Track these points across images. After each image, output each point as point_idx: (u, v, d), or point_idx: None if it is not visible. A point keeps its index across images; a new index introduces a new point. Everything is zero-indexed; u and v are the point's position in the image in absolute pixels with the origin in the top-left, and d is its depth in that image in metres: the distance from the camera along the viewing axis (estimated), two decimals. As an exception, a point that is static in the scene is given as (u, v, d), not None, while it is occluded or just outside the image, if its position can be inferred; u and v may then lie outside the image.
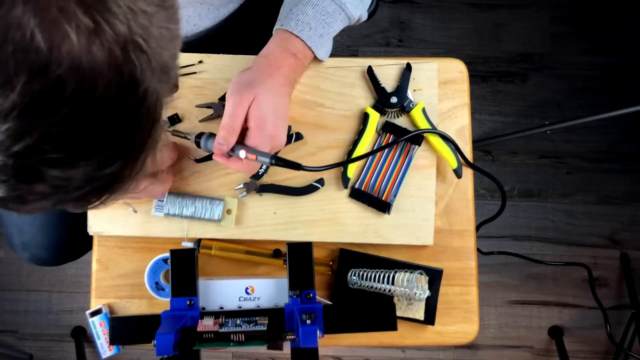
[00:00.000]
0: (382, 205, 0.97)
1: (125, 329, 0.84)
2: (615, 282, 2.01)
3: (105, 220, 0.96)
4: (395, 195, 0.98)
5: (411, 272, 0.89)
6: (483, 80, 2.10)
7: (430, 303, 0.98)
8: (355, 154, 0.97)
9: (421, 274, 0.89)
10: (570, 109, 2.08)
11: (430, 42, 2.12)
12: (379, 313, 0.84)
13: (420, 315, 0.97)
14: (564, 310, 2.00)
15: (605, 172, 2.06)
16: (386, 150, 0.99)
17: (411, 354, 1.98)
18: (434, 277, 0.98)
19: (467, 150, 1.02)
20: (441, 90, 1.03)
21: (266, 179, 0.98)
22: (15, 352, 1.95)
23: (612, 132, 2.07)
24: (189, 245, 0.97)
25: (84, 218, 0.98)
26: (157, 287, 0.95)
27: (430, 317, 0.98)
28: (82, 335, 1.94)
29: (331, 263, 0.98)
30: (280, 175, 0.98)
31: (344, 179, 0.97)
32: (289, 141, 0.98)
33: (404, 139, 0.98)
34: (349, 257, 0.98)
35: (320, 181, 0.97)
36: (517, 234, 2.03)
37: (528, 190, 2.05)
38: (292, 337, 0.75)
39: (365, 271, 0.94)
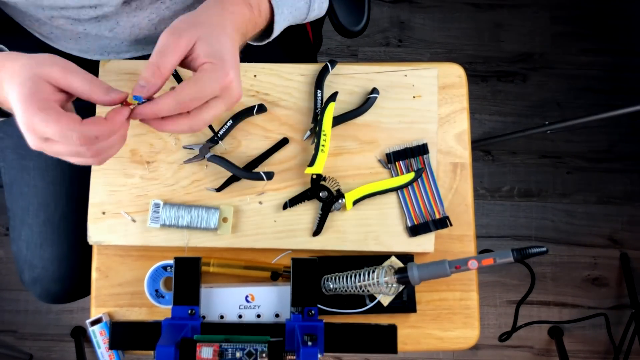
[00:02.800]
0: (442, 223, 0.98)
1: (126, 335, 0.83)
2: (615, 282, 2.01)
3: (105, 230, 0.96)
4: (443, 208, 0.99)
5: (379, 268, 0.88)
6: (483, 80, 2.09)
7: (408, 291, 0.98)
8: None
9: (390, 267, 0.88)
10: (570, 108, 2.08)
11: (430, 42, 2.11)
12: (380, 335, 0.84)
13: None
14: (564, 310, 2.00)
15: (605, 172, 2.06)
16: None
17: (411, 353, 1.98)
18: (404, 264, 0.97)
19: (466, 155, 1.02)
20: (440, 95, 1.03)
21: (225, 147, 0.98)
22: (15, 352, 1.95)
23: (612, 132, 2.07)
24: None
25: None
26: (157, 295, 0.95)
27: (410, 305, 0.98)
28: (82, 335, 1.94)
29: None
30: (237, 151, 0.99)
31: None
32: (250, 113, 0.97)
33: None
34: (321, 263, 0.97)
35: (269, 174, 0.95)
36: (517, 234, 2.03)
37: (528, 190, 2.05)
38: (292, 358, 0.75)
39: (337, 275, 0.93)
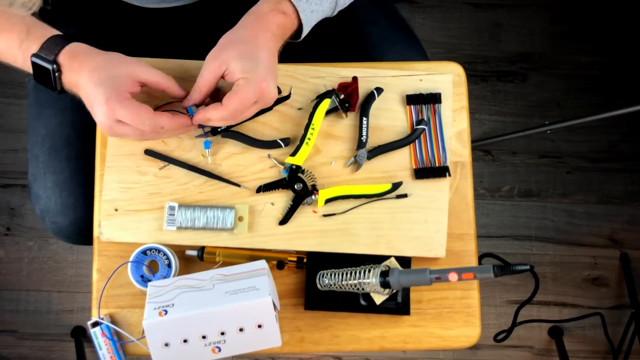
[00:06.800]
0: (442, 171, 0.99)
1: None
2: (615, 282, 2.01)
3: (117, 227, 0.97)
4: (446, 158, 1.00)
5: (371, 269, 0.88)
6: (483, 80, 2.10)
7: (403, 293, 0.98)
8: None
9: (386, 267, 0.88)
10: (570, 108, 2.08)
11: (430, 42, 2.11)
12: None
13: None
14: (564, 310, 2.00)
15: (605, 171, 2.06)
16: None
17: (411, 353, 1.98)
18: (402, 266, 0.97)
19: (466, 154, 1.02)
20: (440, 93, 1.04)
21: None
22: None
23: (612, 132, 2.07)
24: (193, 253, 0.97)
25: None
26: (143, 280, 0.96)
27: (404, 308, 0.98)
28: (82, 335, 1.94)
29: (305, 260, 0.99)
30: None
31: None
32: (276, 102, 0.99)
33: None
34: (317, 259, 0.98)
35: (286, 140, 0.98)
36: (517, 233, 2.03)
37: (528, 190, 2.05)
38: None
39: (332, 272, 0.93)
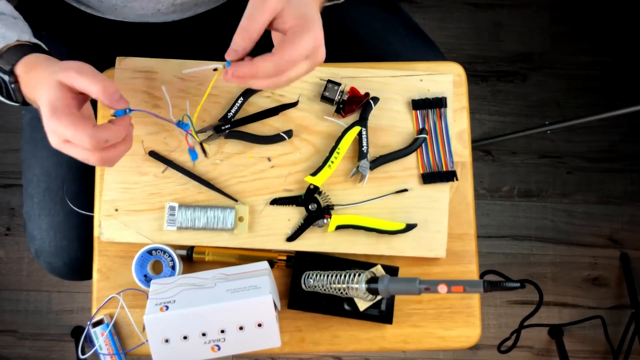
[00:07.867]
0: (449, 175, 0.99)
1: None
2: (615, 282, 2.01)
3: (117, 227, 0.97)
4: (452, 162, 1.00)
5: (360, 274, 0.87)
6: (483, 80, 2.10)
7: (387, 301, 0.97)
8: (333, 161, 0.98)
9: (372, 273, 0.87)
10: (570, 108, 2.08)
11: (430, 42, 2.12)
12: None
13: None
14: (564, 311, 2.00)
15: (605, 171, 2.06)
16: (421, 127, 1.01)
17: (411, 353, 1.98)
18: (390, 275, 0.97)
19: (467, 154, 1.02)
20: (440, 94, 1.04)
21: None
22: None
23: (612, 132, 2.07)
24: (182, 252, 0.97)
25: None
26: (147, 280, 0.95)
27: (387, 316, 0.97)
28: (82, 335, 1.94)
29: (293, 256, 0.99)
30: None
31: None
32: (282, 108, 0.98)
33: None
34: (305, 259, 0.97)
35: (288, 132, 0.97)
36: (517, 233, 2.03)
37: (528, 190, 2.05)
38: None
39: (318, 273, 0.93)
